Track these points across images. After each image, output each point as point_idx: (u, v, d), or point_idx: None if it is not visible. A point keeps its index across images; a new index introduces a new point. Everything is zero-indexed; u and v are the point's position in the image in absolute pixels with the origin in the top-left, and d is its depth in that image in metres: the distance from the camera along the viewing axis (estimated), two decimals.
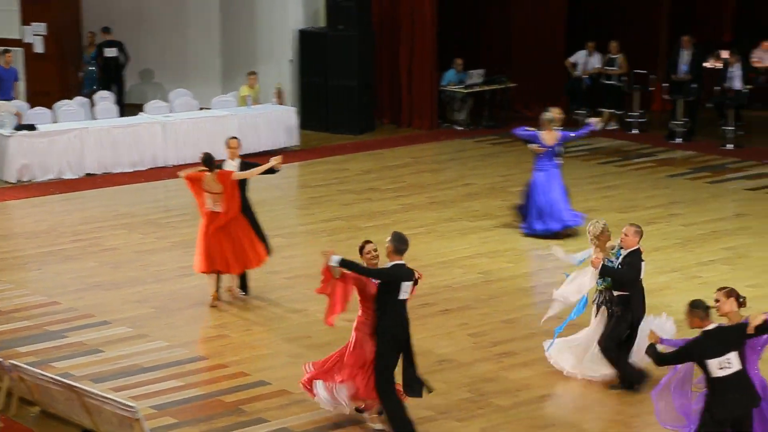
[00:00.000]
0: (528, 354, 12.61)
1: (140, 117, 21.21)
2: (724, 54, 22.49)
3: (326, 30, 22.81)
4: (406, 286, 10.37)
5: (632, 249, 11.40)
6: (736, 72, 21.60)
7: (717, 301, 9.40)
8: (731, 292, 9.42)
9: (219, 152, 13.64)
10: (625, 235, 11.40)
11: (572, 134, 16.71)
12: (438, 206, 17.76)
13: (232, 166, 13.94)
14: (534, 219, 16.40)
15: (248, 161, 14.35)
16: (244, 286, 14.27)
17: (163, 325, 13.51)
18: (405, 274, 10.33)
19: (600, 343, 11.54)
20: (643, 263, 11.51)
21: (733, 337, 9.17)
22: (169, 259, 15.76)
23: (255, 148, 20.76)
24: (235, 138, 14.49)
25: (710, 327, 9.17)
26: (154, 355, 12.55)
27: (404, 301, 10.44)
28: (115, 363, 12.30)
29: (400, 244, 10.36)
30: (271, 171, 13.93)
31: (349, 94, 21.25)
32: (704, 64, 22.41)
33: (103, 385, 11.40)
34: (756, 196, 18.52)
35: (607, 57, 22.93)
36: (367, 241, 10.62)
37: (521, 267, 15.36)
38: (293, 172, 20.66)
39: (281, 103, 21.97)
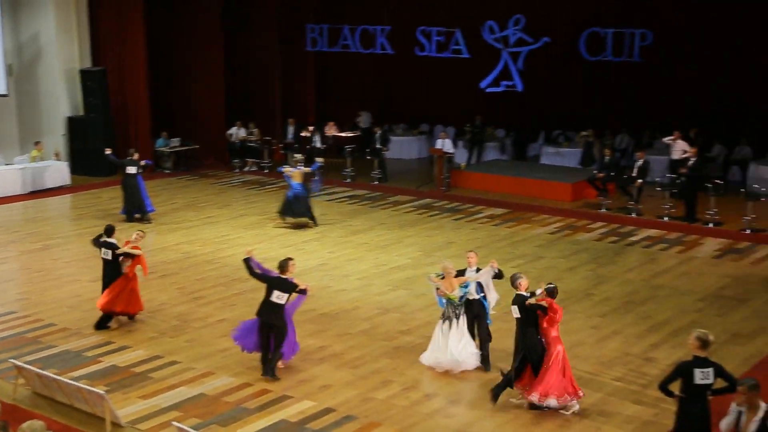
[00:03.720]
0: (212, 296, 12.43)
1: None
2: (311, 128, 22.82)
3: (84, 116, 21.45)
4: None
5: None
6: (317, 138, 22.02)
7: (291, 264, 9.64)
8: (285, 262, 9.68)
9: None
10: (470, 258, 9.89)
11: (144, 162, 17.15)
12: (157, 216, 17.07)
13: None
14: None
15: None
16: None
17: None
18: None
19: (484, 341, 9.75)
20: None
21: (289, 286, 9.41)
22: None
23: (42, 186, 19.64)
24: None
25: (282, 276, 9.46)
26: None
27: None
28: None
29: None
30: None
31: (100, 153, 19.97)
32: (301, 134, 22.63)
33: None
34: (332, 204, 18.88)
35: (249, 130, 22.78)
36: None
37: (206, 248, 15.06)
38: (67, 200, 19.37)
39: (59, 160, 20.55)
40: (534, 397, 8.67)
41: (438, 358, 9.71)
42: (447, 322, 9.68)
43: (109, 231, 11.20)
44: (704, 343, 7.13)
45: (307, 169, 16.52)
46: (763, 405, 6.47)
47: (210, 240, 15.66)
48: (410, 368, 9.91)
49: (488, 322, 9.85)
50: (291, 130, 22.66)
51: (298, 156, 17.26)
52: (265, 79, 24.43)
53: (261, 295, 12.52)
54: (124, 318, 11.26)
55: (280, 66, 24.55)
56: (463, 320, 9.67)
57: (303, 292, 9.54)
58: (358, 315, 11.73)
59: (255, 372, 9.75)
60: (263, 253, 14.64)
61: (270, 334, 9.52)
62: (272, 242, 15.45)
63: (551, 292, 8.69)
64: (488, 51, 20.64)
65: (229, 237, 15.90)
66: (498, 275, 9.76)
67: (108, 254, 11.02)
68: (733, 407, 6.62)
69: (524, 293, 8.86)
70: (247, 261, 9.70)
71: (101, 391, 8.49)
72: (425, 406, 9.07)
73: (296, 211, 16.34)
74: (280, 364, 9.75)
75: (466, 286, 9.61)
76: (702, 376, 7.07)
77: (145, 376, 9.71)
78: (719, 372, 7.16)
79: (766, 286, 13.00)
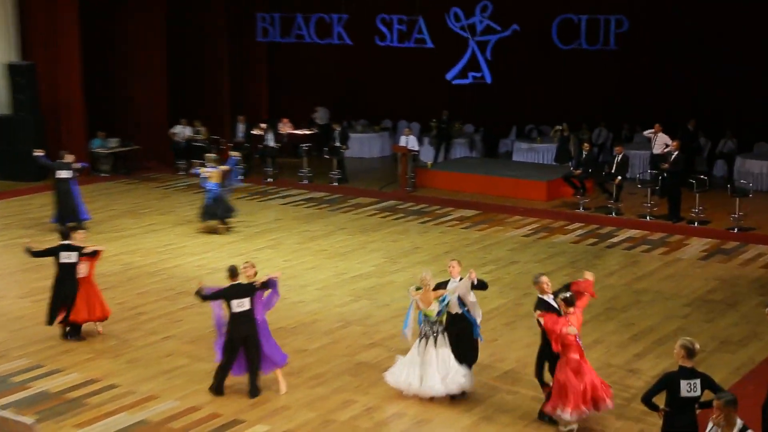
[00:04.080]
0: (155, 312, 12.23)
1: None
2: (263, 126, 22.60)
3: (11, 114, 21.03)
4: None
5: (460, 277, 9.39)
6: (270, 136, 21.77)
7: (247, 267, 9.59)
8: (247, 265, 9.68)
9: None
10: (452, 267, 9.40)
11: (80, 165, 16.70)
12: (93, 224, 16.73)
13: None
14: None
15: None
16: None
17: None
18: None
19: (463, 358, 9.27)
20: None
21: (246, 289, 9.29)
22: None
23: None
24: None
25: (234, 282, 9.32)
26: None
27: None
28: None
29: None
30: None
31: (29, 155, 19.58)
32: (252, 132, 22.41)
33: None
34: (287, 208, 18.78)
35: (196, 128, 22.54)
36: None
37: (148, 259, 14.82)
38: None
39: None
40: (547, 408, 8.69)
41: (410, 381, 9.19)
42: (424, 340, 9.13)
43: (67, 233, 11.18)
44: (690, 352, 7.12)
45: (225, 167, 16.59)
46: (739, 421, 6.40)
47: (152, 250, 15.39)
48: (374, 386, 9.79)
49: (478, 338, 9.36)
50: (241, 128, 22.45)
51: (212, 155, 17.33)
52: (212, 73, 24.19)
53: (210, 309, 12.39)
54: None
55: (228, 58, 24.34)
56: (443, 340, 9.14)
57: (266, 285, 9.36)
58: (317, 328, 11.60)
59: (203, 395, 9.57)
60: (212, 263, 14.47)
61: (239, 348, 9.33)
62: (221, 251, 15.25)
63: (567, 302, 8.52)
64: (454, 40, 20.66)
65: (174, 246, 15.64)
66: (479, 286, 9.32)
67: (72, 257, 10.94)
68: (710, 425, 6.49)
69: (544, 297, 8.83)
70: (199, 293, 9.49)
71: (30, 421, 8.22)
72: (391, 427, 8.97)
73: (219, 214, 16.40)
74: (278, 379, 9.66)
75: (443, 300, 9.11)
76: (688, 388, 7.05)
77: (80, 402, 9.46)
78: (707, 383, 7.15)
79: (756, 289, 13.12)
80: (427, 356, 9.08)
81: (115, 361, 10.53)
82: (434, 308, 9.07)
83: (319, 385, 9.85)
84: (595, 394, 8.58)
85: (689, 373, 7.10)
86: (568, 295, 8.59)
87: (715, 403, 6.45)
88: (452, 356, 9.14)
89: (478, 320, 9.42)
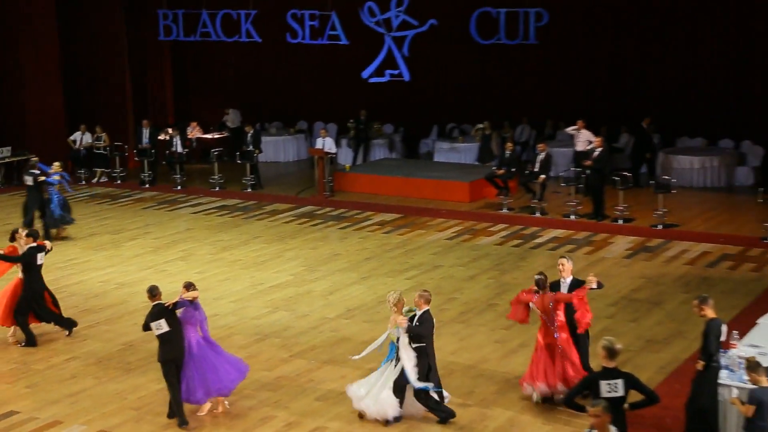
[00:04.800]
0: (57, 332, 11.98)
1: None
2: (170, 130, 22.45)
3: None
4: None
5: (424, 309, 9.24)
6: (177, 141, 21.66)
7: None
8: (187, 284, 9.51)
9: None
10: (419, 298, 9.29)
11: None
12: None
13: None
14: None
15: None
16: None
17: None
18: None
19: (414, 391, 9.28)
20: (434, 320, 9.37)
21: (161, 310, 9.25)
22: None
23: None
24: None
25: (154, 303, 9.30)
26: None
27: None
28: None
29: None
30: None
31: None
32: (158, 137, 22.21)
33: None
34: (198, 217, 18.66)
35: (96, 135, 22.21)
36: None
37: (49, 275, 14.18)
38: None
39: None
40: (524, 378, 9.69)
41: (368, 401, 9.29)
42: (390, 362, 9.29)
43: (37, 234, 12.09)
44: (611, 352, 7.44)
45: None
46: (613, 429, 6.68)
47: (53, 265, 15.09)
48: (295, 401, 9.90)
49: (421, 387, 9.18)
50: (146, 133, 22.19)
51: (56, 163, 17.45)
52: (112, 76, 23.88)
53: (118, 326, 12.31)
54: None
55: (129, 60, 24.05)
56: (395, 366, 9.23)
57: (176, 306, 9.26)
58: (233, 343, 11.63)
59: (111, 417, 9.51)
60: (118, 278, 14.32)
61: (174, 372, 9.33)
62: (128, 265, 15.12)
63: (536, 283, 9.53)
64: (369, 36, 20.84)
65: (77, 261, 15.45)
66: (413, 335, 9.16)
67: (42, 257, 11.67)
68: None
69: (559, 280, 9.77)
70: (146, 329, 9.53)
71: None
72: None
73: (50, 222, 16.77)
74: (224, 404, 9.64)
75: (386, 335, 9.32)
76: (608, 389, 7.34)
77: None
78: (631, 383, 7.45)
79: (680, 287, 13.65)
80: (385, 377, 9.32)
81: (14, 386, 10.37)
82: (393, 333, 9.29)
83: (237, 402, 9.90)
84: (540, 376, 9.39)
85: (610, 374, 7.42)
86: (537, 277, 9.56)
87: (590, 410, 6.72)
88: (390, 384, 9.23)
89: (413, 379, 9.19)
